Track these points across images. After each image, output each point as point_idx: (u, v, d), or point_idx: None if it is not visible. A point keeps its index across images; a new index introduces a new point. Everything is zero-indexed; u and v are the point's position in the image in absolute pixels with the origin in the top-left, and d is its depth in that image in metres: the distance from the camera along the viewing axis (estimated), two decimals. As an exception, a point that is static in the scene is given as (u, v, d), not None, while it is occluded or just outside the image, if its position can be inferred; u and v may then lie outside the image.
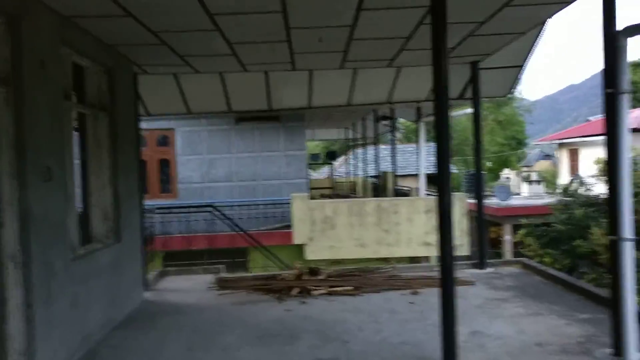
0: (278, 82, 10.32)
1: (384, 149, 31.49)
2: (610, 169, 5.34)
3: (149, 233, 10.93)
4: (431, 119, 15.19)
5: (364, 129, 23.61)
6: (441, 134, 5.13)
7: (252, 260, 13.97)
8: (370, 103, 11.31)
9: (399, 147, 44.13)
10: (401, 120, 27.00)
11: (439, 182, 5.16)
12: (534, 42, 9.52)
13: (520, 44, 9.57)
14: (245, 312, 7.57)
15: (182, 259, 13.55)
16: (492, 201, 25.35)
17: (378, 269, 9.67)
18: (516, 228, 22.51)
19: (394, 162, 17.18)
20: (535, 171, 45.78)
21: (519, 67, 9.98)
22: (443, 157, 5.10)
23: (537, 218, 22.14)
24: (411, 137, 49.07)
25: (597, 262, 13.66)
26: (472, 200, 23.87)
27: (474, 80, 9.46)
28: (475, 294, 7.96)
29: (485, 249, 9.88)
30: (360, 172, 26.98)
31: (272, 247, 13.19)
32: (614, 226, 5.15)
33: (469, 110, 12.17)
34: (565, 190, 15.40)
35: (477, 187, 9.88)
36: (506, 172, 61.08)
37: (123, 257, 7.53)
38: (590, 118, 50.84)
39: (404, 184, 21.59)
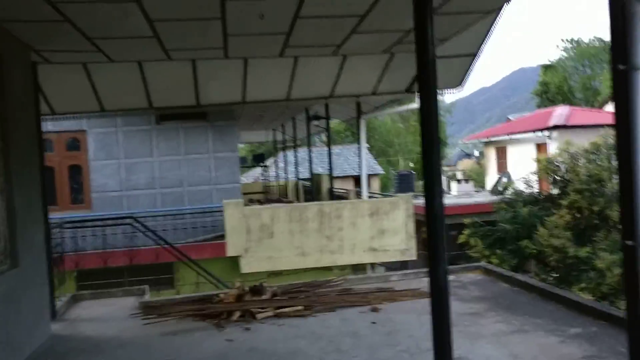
0: (207, 74, 9.02)
1: (316, 151, 30.51)
2: (622, 162, 4.49)
3: (57, 252, 9.31)
4: (374, 115, 14.31)
5: (294, 130, 22.50)
6: (429, 128, 4.07)
7: (180, 277, 12.46)
8: (311, 97, 10.20)
9: (325, 149, 43.66)
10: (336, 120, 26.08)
11: (427, 181, 4.10)
12: (490, 29, 8.74)
13: (473, 32, 8.80)
14: (178, 345, 6.26)
15: (99, 278, 11.88)
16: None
17: (328, 282, 8.58)
18: (451, 228, 22.15)
19: (330, 164, 16.14)
20: (460, 170, 46.51)
21: (473, 55, 9.20)
22: (431, 155, 4.06)
23: (473, 217, 21.93)
24: (336, 138, 48.56)
25: (546, 263, 13.24)
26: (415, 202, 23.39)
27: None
28: (444, 308, 7.00)
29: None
30: (291, 175, 25.88)
31: (202, 261, 11.76)
32: (629, 229, 4.30)
33: (415, 105, 11.34)
34: (506, 188, 14.94)
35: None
36: (428, 172, 61.94)
37: (21, 285, 6.05)
38: (510, 117, 52.33)
39: (336, 186, 20.66)
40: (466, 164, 50.49)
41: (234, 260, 11.72)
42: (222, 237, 11.94)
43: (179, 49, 7.52)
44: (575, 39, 63.35)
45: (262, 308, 7.16)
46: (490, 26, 8.72)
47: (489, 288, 8.00)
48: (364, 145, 13.51)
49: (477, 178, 34.74)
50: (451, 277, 8.64)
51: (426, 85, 3.97)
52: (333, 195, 17.33)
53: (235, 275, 10.71)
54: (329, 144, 16.65)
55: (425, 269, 9.11)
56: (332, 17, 6.46)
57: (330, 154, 16.43)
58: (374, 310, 7.14)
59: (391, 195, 15.52)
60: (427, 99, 4.00)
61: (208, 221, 12.90)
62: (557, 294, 7.08)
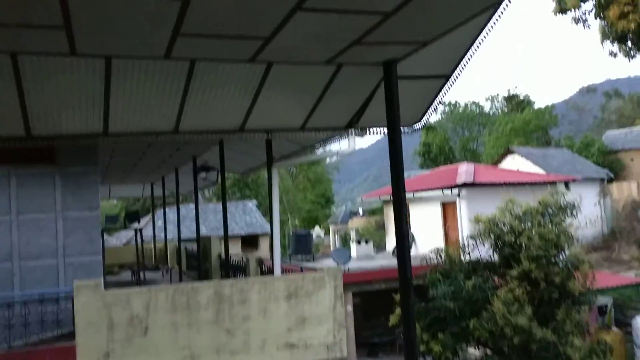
0: (50, 88, 5.58)
1: (200, 209, 26.91)
2: None
3: None
4: (292, 161, 11.31)
5: (177, 184, 18.92)
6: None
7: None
8: (213, 130, 6.98)
9: (210, 206, 39.86)
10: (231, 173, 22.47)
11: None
12: (472, 43, 6.19)
13: (447, 49, 6.22)
14: None
15: None
16: (326, 264, 22.16)
17: None
18: (357, 297, 19.47)
19: (225, 223, 12.78)
20: (353, 229, 44.48)
21: (444, 77, 6.57)
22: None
23: (386, 283, 19.32)
24: (220, 194, 44.90)
25: (501, 351, 10.66)
26: (308, 264, 20.35)
27: (389, 91, 5.77)
28: None
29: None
30: (172, 237, 22.07)
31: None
32: None
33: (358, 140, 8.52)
34: (440, 255, 12.39)
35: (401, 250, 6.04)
36: (317, 231, 59.95)
37: None
38: (411, 173, 51.79)
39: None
40: (357, 222, 48.68)
41: (89, 371, 7.87)
42: (71, 336, 8.07)
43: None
44: (453, 103, 65.55)
45: None
46: (475, 38, 6.17)
47: None
48: (275, 199, 10.37)
49: (372, 237, 32.65)
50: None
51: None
52: (228, 264, 13.91)
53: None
54: (223, 198, 13.35)
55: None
56: None
57: (225, 211, 13.10)
58: None
59: (314, 269, 12.38)
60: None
61: (49, 313, 8.81)
62: None
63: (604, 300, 17.30)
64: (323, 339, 8.97)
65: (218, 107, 6.62)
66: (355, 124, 7.09)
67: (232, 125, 6.85)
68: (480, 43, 6.23)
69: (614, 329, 17.27)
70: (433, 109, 7.06)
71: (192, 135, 6.86)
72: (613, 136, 40.57)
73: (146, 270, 18.54)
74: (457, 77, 6.58)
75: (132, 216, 24.86)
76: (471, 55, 6.38)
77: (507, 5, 5.48)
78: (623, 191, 34.03)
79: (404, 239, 5.67)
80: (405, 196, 5.77)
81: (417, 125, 7.23)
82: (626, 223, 31.94)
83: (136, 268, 16.94)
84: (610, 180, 34.59)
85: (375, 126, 7.24)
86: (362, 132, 7.74)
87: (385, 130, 7.54)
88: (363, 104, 6.72)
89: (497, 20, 5.82)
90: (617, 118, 54.23)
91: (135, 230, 18.56)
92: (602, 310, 17.39)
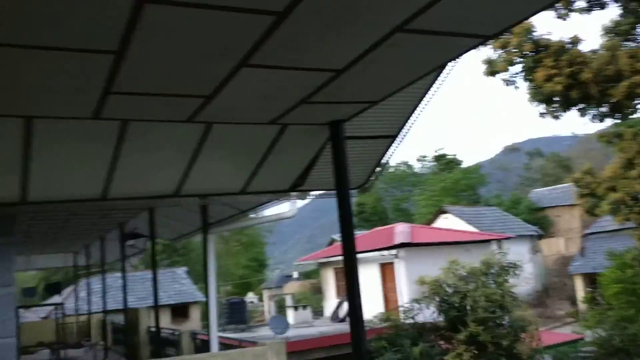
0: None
1: (132, 277, 25.63)
2: None
3: None
4: (230, 227, 10.73)
5: (103, 253, 17.79)
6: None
7: None
8: (145, 196, 6.43)
9: (138, 274, 37.97)
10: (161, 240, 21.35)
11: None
12: (418, 103, 6.05)
13: (394, 108, 6.07)
14: None
15: None
16: (263, 333, 21.25)
17: None
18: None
19: (155, 293, 11.93)
20: (288, 294, 43.42)
21: (391, 137, 6.37)
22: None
23: (327, 351, 18.62)
24: (149, 262, 43.04)
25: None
26: (244, 335, 19.37)
27: (337, 151, 5.47)
28: None
29: None
30: (96, 308, 20.62)
31: None
32: None
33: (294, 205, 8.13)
34: (386, 319, 11.98)
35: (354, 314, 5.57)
36: (251, 297, 58.33)
37: None
38: (335, 236, 51.55)
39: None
40: (292, 286, 47.69)
41: None
42: None
43: None
44: (384, 163, 66.78)
45: None
46: (420, 99, 6.03)
47: None
48: (212, 267, 9.71)
49: (309, 303, 31.90)
50: None
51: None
52: (159, 338, 12.93)
53: None
54: (153, 267, 12.49)
55: None
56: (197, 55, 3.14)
57: (155, 281, 12.24)
58: None
59: (252, 343, 11.61)
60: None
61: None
62: None
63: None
64: (267, 421, 8.24)
65: (151, 170, 6.10)
66: (299, 186, 6.72)
67: (166, 190, 6.32)
68: (427, 102, 6.11)
69: (556, 388, 17.20)
70: (379, 170, 6.82)
71: (122, 202, 6.28)
72: (539, 194, 42.27)
73: (67, 348, 17.06)
74: (403, 137, 6.40)
75: (53, 288, 23.22)
76: (418, 115, 6.24)
77: (454, 64, 5.40)
78: (552, 247, 35.16)
79: (357, 308, 5.23)
80: (356, 260, 5.38)
81: (363, 187, 6.96)
82: (557, 279, 32.82)
83: (55, 346, 15.51)
84: (539, 237, 35.70)
85: (320, 189, 6.90)
86: (304, 195, 7.39)
87: (329, 192, 7.27)
88: (308, 165, 6.38)
89: (444, 78, 5.73)
90: (541, 177, 56.77)
91: (56, 305, 17.15)
92: (543, 370, 17.33)
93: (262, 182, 6.65)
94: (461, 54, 4.26)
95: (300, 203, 8.47)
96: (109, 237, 16.43)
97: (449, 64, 5.34)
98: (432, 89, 5.91)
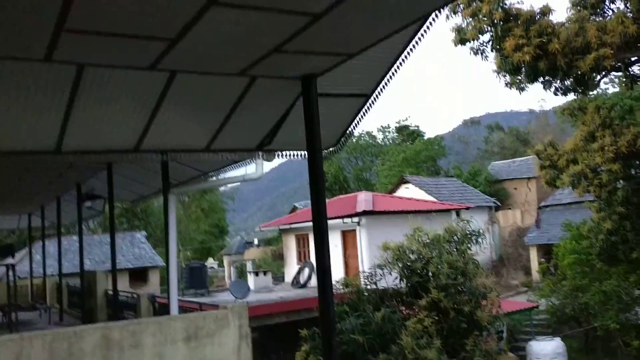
0: None
1: (84, 240, 24.97)
2: None
3: None
4: (189, 188, 10.38)
5: (59, 214, 17.20)
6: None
7: None
8: (102, 150, 6.01)
9: (96, 238, 37.17)
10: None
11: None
12: (394, 61, 5.80)
13: (368, 66, 5.82)
14: None
15: None
16: (224, 298, 21.05)
17: None
18: (255, 331, 18.59)
19: (113, 256, 11.58)
20: (249, 260, 43.23)
21: (364, 97, 6.12)
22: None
23: (287, 316, 18.57)
24: (107, 225, 42.05)
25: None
26: (204, 300, 19.18)
27: (309, 108, 5.22)
28: None
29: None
30: (52, 272, 20.07)
31: None
32: None
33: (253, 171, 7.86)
34: (348, 284, 11.92)
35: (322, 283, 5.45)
36: (211, 262, 57.95)
37: None
38: (297, 204, 51.42)
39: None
40: (253, 252, 47.55)
41: None
42: None
43: None
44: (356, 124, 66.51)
45: None
46: (397, 56, 5.78)
47: None
48: (173, 228, 9.37)
49: (269, 268, 31.82)
50: None
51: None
52: (116, 301, 12.60)
53: None
54: (111, 229, 12.11)
55: None
56: None
57: (113, 243, 11.87)
58: None
59: (213, 306, 11.39)
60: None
61: None
62: None
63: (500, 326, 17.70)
64: (227, 385, 8.10)
65: (109, 123, 5.72)
66: (266, 145, 6.44)
67: (126, 144, 5.95)
68: (402, 61, 5.87)
69: (510, 354, 17.65)
70: (350, 131, 6.59)
71: (77, 156, 5.89)
72: (498, 166, 42.87)
73: (21, 311, 16.54)
74: (377, 97, 6.17)
75: (5, 250, 22.43)
76: (393, 74, 6.00)
77: (434, 19, 5.16)
78: (508, 219, 35.85)
79: (326, 272, 5.07)
80: (327, 224, 5.19)
81: (334, 149, 6.73)
82: (513, 249, 33.55)
83: (6, 309, 15.00)
84: (496, 209, 36.32)
85: (289, 149, 6.64)
86: (271, 155, 7.12)
87: (297, 153, 7.02)
88: (276, 123, 6.10)
89: (421, 36, 5.49)
90: (499, 150, 57.61)
91: (7, 266, 16.56)
92: (498, 336, 17.74)
93: (228, 140, 6.35)
94: (445, 4, 4.04)
95: (267, 165, 8.20)
96: (66, 198, 15.87)
97: (431, 18, 5.12)
98: (408, 47, 5.67)
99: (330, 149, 6.70)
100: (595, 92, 18.05)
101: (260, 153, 6.68)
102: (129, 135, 5.93)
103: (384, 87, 6.13)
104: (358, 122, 6.43)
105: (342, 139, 6.62)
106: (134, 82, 5.10)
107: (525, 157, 41.86)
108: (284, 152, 6.89)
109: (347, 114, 6.39)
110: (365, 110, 6.37)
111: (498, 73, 14.47)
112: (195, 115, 5.86)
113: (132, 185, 12.72)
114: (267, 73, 5.08)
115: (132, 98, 5.36)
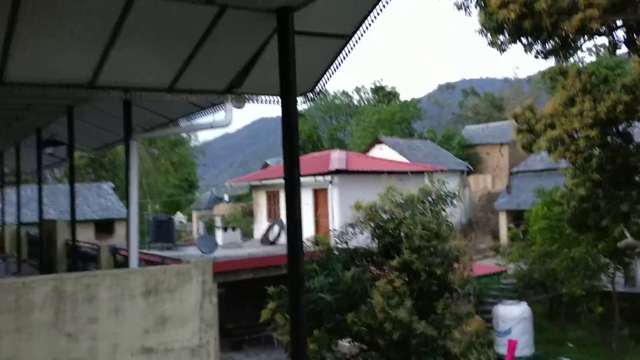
0: None
1: (46, 189, 24.22)
2: None
3: None
4: (154, 134, 9.79)
5: (18, 161, 16.43)
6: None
7: None
8: (52, 83, 5.39)
9: (60, 187, 36.17)
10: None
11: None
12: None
13: (350, 3, 5.30)
14: None
15: None
16: (190, 253, 20.66)
17: None
18: (222, 287, 18.31)
19: (72, 205, 11.03)
20: (218, 215, 42.74)
21: (344, 37, 5.60)
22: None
23: (255, 272, 18.29)
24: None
25: (378, 346, 10.05)
26: (170, 253, 18.74)
27: (284, 46, 4.70)
28: None
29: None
30: (11, 220, 19.39)
31: None
32: None
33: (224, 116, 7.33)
34: (318, 243, 11.57)
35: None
36: (179, 217, 57.27)
37: None
38: (268, 161, 50.88)
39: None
40: (223, 208, 47.03)
41: None
42: None
43: None
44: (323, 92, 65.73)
45: None
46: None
47: None
48: (134, 176, 8.82)
49: (239, 225, 31.45)
50: None
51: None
52: (76, 253, 12.07)
53: None
54: (71, 176, 11.50)
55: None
56: None
57: (73, 191, 11.28)
58: None
59: (177, 260, 10.93)
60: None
61: None
62: None
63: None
64: (187, 342, 7.68)
65: (57, 53, 5.10)
66: (236, 87, 5.90)
67: (78, 78, 5.34)
68: (387, 1, 5.35)
69: (477, 317, 17.72)
70: (327, 77, 6.08)
71: (23, 89, 5.27)
72: (471, 131, 42.83)
73: (-23, 259, 15.91)
74: (358, 38, 5.65)
75: (-38, 196, 21.52)
76: (376, 14, 5.48)
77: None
78: (479, 183, 35.97)
79: (297, 225, 4.64)
80: (299, 175, 4.74)
81: (310, 95, 6.22)
82: (482, 214, 33.75)
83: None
84: (469, 173, 36.38)
85: (261, 93, 6.11)
86: (241, 100, 6.57)
87: (269, 98, 6.48)
88: (248, 63, 5.55)
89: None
90: (473, 115, 57.58)
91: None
92: (467, 300, 17.78)
93: (194, 80, 5.79)
94: None
95: (240, 122, 7.66)
96: (27, 144, 15.09)
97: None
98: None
99: (307, 94, 6.19)
100: (573, 59, 17.78)
101: (229, 96, 6.13)
102: (83, 69, 5.32)
103: (365, 28, 5.61)
104: (337, 66, 5.92)
105: (319, 84, 6.11)
106: (86, 7, 4.50)
107: (498, 123, 41.86)
108: (255, 97, 6.36)
109: (325, 57, 5.86)
110: (345, 54, 5.85)
111: (481, 31, 14.00)
112: (157, 49, 5.27)
113: (96, 131, 12.04)
114: (238, 3, 4.53)
115: (84, 25, 4.74)
